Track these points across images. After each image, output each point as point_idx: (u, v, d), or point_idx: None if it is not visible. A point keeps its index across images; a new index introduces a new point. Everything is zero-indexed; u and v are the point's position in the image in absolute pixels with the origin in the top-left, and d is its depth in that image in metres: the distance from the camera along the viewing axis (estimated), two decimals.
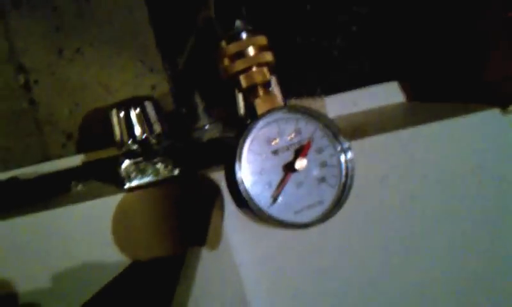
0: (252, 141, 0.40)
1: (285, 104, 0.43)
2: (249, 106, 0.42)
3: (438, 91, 0.58)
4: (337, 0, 0.60)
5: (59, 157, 0.65)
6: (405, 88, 0.60)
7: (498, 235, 0.50)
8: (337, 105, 0.60)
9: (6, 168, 0.66)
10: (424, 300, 0.50)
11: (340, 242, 0.48)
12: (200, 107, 0.59)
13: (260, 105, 0.41)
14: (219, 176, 0.48)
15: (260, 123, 0.40)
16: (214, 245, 0.45)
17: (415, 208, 0.49)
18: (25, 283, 0.52)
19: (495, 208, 0.49)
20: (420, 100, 0.59)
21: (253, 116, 0.41)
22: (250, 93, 0.42)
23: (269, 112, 0.40)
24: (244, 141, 0.39)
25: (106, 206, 0.50)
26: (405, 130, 0.48)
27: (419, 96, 0.60)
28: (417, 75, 0.60)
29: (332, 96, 0.60)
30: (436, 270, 0.50)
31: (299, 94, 0.60)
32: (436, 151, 0.48)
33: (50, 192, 0.59)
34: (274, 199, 0.39)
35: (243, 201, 0.39)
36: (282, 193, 0.39)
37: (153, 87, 0.62)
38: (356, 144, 0.46)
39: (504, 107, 0.47)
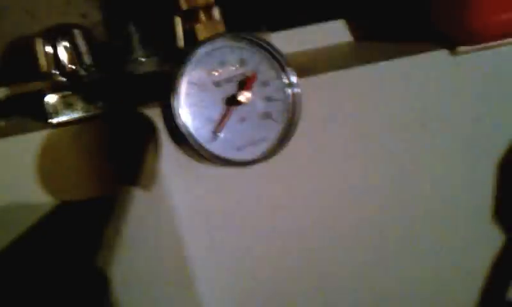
0: (191, 71, 0.36)
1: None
2: (190, 32, 0.38)
3: (386, 30, 0.57)
4: None
5: None
6: (352, 27, 0.58)
7: (439, 176, 0.50)
8: (283, 43, 0.57)
9: None
10: (372, 232, 0.50)
11: (284, 181, 0.46)
12: (135, 38, 0.55)
13: (202, 31, 0.38)
14: (155, 113, 0.45)
15: (201, 51, 0.36)
16: (148, 185, 0.43)
17: (361, 147, 0.48)
18: None
19: (439, 150, 0.49)
20: (368, 39, 0.58)
21: (193, 42, 0.38)
22: (191, 17, 0.38)
23: (211, 38, 0.37)
24: (182, 70, 0.36)
25: (31, 142, 0.46)
26: (353, 69, 0.46)
27: (367, 35, 0.58)
28: (364, 13, 0.58)
29: (277, 32, 0.57)
30: (382, 208, 0.50)
31: (242, 29, 0.57)
32: (384, 91, 0.47)
33: None
34: (215, 134, 0.37)
35: (181, 137, 0.36)
36: (224, 128, 0.37)
37: (84, 16, 0.57)
38: (303, 81, 0.44)
39: (451, 48, 0.46)
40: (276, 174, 0.45)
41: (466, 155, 0.49)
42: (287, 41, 0.56)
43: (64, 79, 0.48)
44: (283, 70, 0.38)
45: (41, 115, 0.48)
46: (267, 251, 0.48)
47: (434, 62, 0.47)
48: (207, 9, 0.39)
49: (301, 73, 0.43)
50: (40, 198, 0.47)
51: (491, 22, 0.44)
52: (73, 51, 0.48)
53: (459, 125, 0.48)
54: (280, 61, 0.38)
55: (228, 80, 0.37)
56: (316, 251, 0.49)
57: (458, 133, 0.49)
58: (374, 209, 0.49)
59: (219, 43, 0.37)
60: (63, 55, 0.47)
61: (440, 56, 0.47)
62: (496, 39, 0.45)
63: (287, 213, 0.47)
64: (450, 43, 0.46)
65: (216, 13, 0.40)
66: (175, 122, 0.36)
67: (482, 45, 0.45)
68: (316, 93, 0.45)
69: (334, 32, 0.57)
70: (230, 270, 0.48)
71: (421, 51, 0.47)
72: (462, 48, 0.46)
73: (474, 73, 0.47)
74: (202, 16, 0.38)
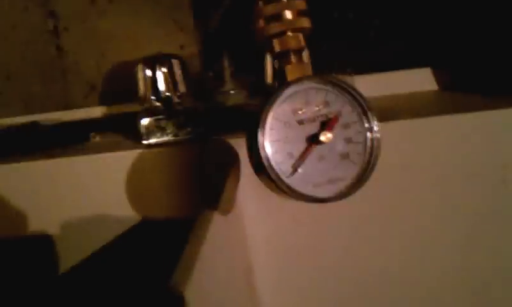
0: (278, 107, 0.38)
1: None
2: (280, 72, 0.40)
3: (473, 82, 0.57)
4: None
5: (81, 106, 0.64)
6: (438, 75, 0.58)
7: None
8: (367, 86, 0.58)
9: (28, 113, 0.66)
10: (435, 284, 0.49)
11: (355, 224, 0.46)
12: (227, 72, 0.58)
13: (291, 72, 0.40)
14: (239, 143, 0.47)
15: (289, 90, 0.39)
16: (226, 211, 0.44)
17: (437, 198, 0.47)
18: (36, 227, 0.52)
19: None
20: (453, 89, 0.57)
21: (282, 82, 0.40)
22: (282, 59, 0.41)
23: (299, 79, 0.39)
24: (269, 106, 0.38)
25: (123, 160, 0.50)
26: (434, 118, 0.46)
27: (452, 84, 0.58)
28: (452, 63, 0.58)
29: (363, 75, 0.59)
30: (450, 265, 0.49)
31: (329, 70, 0.58)
32: (464, 143, 0.47)
33: (69, 141, 0.59)
34: (294, 169, 0.38)
35: (262, 168, 0.38)
36: (303, 164, 0.38)
37: (181, 47, 0.61)
38: (383, 126, 0.44)
39: None
40: (350, 215, 0.45)
41: None
42: (372, 85, 0.58)
43: (159, 104, 0.51)
44: (365, 113, 0.39)
45: (134, 135, 0.51)
46: (333, 291, 0.48)
47: None
48: (298, 51, 0.41)
49: (382, 118, 0.44)
50: (126, 213, 0.50)
51: None
52: (170, 79, 0.51)
53: None
54: (362, 105, 0.39)
55: (312, 119, 0.39)
56: (382, 297, 0.49)
57: None
58: (445, 262, 0.49)
59: (305, 84, 0.39)
60: (160, 82, 0.50)
61: None
62: None
63: (354, 256, 0.47)
64: None
65: (306, 56, 0.42)
66: (258, 153, 0.37)
67: None
68: (396, 139, 0.45)
69: (419, 80, 0.58)
70: (295, 305, 0.49)
71: (505, 106, 0.46)
72: None
73: None
74: (293, 58, 0.40)
